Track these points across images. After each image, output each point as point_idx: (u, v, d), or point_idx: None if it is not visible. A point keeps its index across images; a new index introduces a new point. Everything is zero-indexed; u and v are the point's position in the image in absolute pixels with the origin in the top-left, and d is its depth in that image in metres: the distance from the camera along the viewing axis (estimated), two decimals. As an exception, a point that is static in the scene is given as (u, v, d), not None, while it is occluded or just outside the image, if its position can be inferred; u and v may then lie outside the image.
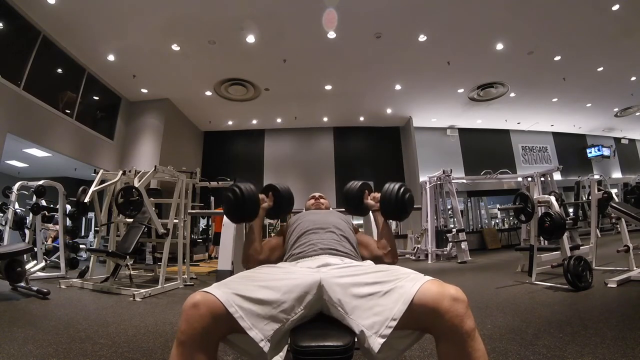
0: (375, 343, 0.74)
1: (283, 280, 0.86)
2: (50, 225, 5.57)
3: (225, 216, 1.66)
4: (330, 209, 1.70)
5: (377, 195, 1.36)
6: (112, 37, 5.88)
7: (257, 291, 0.81)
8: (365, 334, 0.76)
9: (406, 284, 0.78)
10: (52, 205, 4.77)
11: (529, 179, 7.05)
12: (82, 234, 8.46)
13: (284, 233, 1.39)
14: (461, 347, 0.71)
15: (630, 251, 3.39)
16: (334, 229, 1.26)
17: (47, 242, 5.55)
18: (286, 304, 0.81)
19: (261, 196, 1.35)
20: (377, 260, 1.28)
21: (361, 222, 2.03)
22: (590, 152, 11.83)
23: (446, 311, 0.71)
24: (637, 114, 10.17)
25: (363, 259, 1.28)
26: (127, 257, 3.49)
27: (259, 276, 0.89)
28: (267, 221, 8.51)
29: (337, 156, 10.45)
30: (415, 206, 1.39)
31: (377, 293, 0.80)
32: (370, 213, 1.56)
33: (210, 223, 8.82)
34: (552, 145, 11.66)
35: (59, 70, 6.40)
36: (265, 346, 0.76)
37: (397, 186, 1.28)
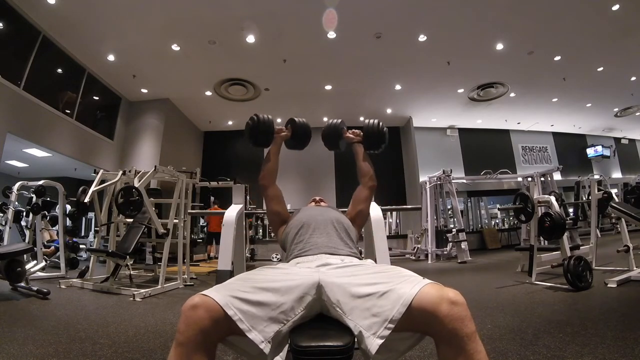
0: (373, 344, 0.74)
1: (282, 282, 0.86)
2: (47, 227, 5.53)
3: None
4: None
5: (357, 130, 1.60)
6: (112, 37, 5.87)
7: (256, 293, 0.81)
8: (363, 334, 0.76)
9: (405, 286, 0.78)
10: (48, 199, 4.71)
11: (529, 179, 7.06)
12: (82, 234, 8.47)
13: (290, 217, 1.42)
14: (462, 349, 0.70)
15: (630, 251, 3.39)
16: (335, 224, 1.25)
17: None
18: (286, 305, 0.81)
19: (280, 127, 1.55)
20: (367, 191, 1.46)
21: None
22: (591, 152, 11.81)
23: (445, 315, 0.70)
24: (637, 114, 10.15)
25: (360, 211, 1.43)
26: (127, 257, 3.49)
27: (258, 278, 0.89)
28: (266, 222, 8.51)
29: (337, 156, 10.40)
30: (415, 206, 1.43)
31: (376, 294, 0.79)
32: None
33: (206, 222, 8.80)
34: (552, 145, 11.63)
35: (59, 70, 6.39)
36: (266, 347, 0.76)
37: (376, 121, 1.55)
